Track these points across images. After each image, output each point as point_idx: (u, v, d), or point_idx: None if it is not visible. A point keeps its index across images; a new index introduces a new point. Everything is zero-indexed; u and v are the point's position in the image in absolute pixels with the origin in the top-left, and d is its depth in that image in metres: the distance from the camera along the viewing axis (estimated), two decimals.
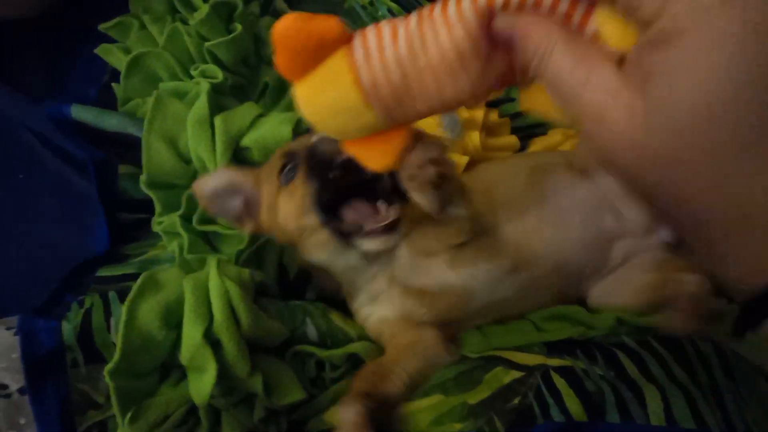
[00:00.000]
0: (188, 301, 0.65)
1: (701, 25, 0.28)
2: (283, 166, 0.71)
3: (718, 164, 0.30)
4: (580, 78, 0.34)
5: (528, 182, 0.80)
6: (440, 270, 0.73)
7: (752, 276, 0.33)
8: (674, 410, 0.62)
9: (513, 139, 0.93)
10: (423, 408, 0.69)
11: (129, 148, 0.81)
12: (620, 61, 0.34)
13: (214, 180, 0.73)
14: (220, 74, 0.83)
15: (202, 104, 0.78)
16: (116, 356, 0.63)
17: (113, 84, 0.88)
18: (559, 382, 0.67)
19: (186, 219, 0.79)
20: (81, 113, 0.82)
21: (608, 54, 0.34)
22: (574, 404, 0.65)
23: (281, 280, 0.83)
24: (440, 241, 0.73)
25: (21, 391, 0.71)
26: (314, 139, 0.69)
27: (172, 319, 0.67)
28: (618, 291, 0.77)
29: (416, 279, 0.73)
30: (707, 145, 0.29)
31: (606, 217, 0.78)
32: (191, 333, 0.65)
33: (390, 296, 0.74)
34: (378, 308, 0.75)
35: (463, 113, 0.86)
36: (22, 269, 0.90)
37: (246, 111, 0.82)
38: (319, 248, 0.71)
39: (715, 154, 0.29)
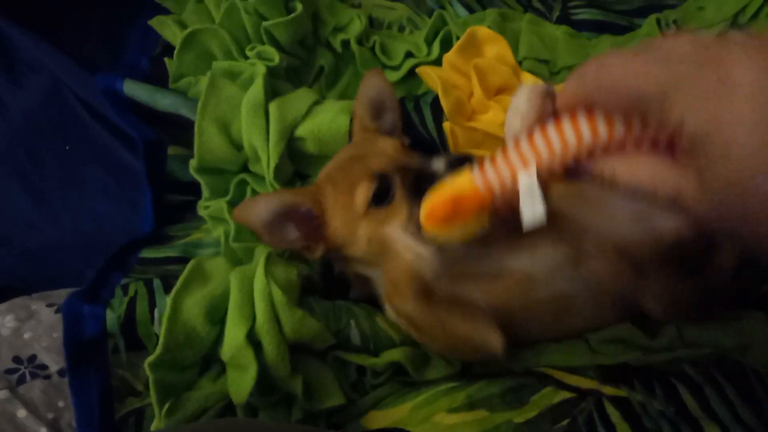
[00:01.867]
0: (233, 299, 0.63)
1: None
2: (377, 189, 0.67)
3: None
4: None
5: None
6: (498, 254, 0.70)
7: None
8: None
9: None
10: (466, 422, 0.66)
11: (180, 128, 0.78)
12: None
13: (267, 206, 0.68)
14: (276, 56, 0.80)
15: (257, 89, 0.74)
16: (158, 349, 0.62)
17: (166, 59, 0.85)
18: (614, 414, 0.64)
19: (233, 205, 0.77)
20: (134, 90, 0.80)
21: None
22: None
23: (324, 274, 0.81)
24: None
25: (60, 373, 0.71)
26: (436, 167, 0.67)
27: (217, 315, 0.65)
28: None
29: (470, 264, 0.70)
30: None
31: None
32: (234, 332, 0.63)
33: (443, 282, 0.69)
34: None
35: None
36: (69, 241, 0.90)
37: (302, 97, 0.78)
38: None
39: None
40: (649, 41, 0.40)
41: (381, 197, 0.68)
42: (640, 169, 0.42)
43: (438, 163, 0.68)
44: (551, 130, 0.48)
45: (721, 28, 0.88)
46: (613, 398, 0.65)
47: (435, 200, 0.51)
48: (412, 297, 0.66)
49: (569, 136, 0.46)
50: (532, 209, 0.51)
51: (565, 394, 0.67)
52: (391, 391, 0.73)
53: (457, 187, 0.50)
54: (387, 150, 0.71)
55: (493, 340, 0.67)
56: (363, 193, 0.67)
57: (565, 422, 0.64)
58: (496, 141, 0.80)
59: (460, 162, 0.66)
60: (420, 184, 0.66)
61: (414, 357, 0.73)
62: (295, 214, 0.70)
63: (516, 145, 0.49)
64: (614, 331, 0.73)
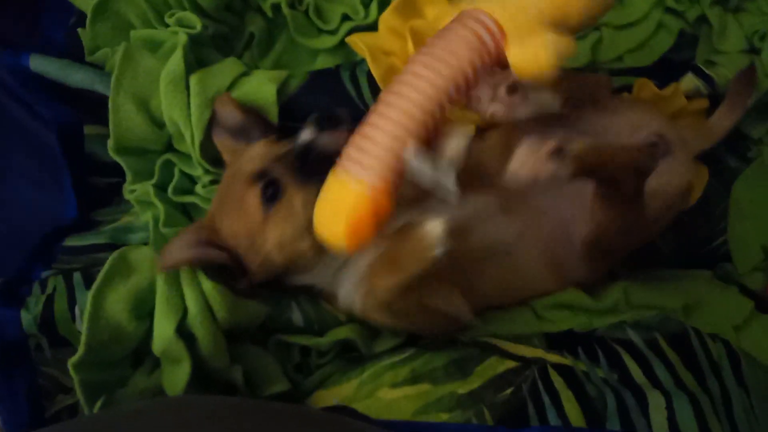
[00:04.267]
0: (160, 291, 0.60)
1: None
2: (264, 188, 0.63)
3: None
4: None
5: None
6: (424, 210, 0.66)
7: None
8: (679, 421, 0.59)
9: None
10: (408, 396, 0.66)
11: (97, 105, 0.72)
12: None
13: (182, 246, 0.63)
14: (198, 23, 0.74)
15: (176, 61, 0.69)
16: (81, 350, 0.58)
17: (79, 29, 0.78)
18: (558, 382, 0.64)
19: (160, 188, 0.73)
20: (42, 65, 0.73)
21: None
22: (572, 408, 0.61)
23: None
24: None
25: None
26: (305, 137, 0.64)
27: (144, 308, 0.62)
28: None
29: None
30: None
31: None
32: (163, 326, 0.60)
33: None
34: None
35: None
36: None
37: (226, 68, 0.73)
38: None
39: None
40: None
41: (272, 195, 0.63)
42: None
43: (306, 133, 0.64)
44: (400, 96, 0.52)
45: None
46: (558, 366, 0.65)
47: (350, 220, 0.51)
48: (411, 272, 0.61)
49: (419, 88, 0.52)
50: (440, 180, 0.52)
51: (510, 364, 0.67)
52: (336, 369, 0.72)
53: (352, 198, 0.51)
54: (257, 153, 0.67)
55: (465, 310, 0.67)
56: (252, 199, 0.63)
57: (508, 391, 0.64)
58: None
59: (328, 122, 0.64)
60: (304, 162, 0.63)
61: (362, 332, 0.72)
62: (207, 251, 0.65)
63: (374, 126, 0.52)
64: (560, 297, 0.73)
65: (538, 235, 0.71)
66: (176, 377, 0.61)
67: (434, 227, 0.57)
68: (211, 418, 0.45)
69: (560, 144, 0.54)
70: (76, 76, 0.73)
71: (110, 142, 0.69)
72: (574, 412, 0.61)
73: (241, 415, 0.46)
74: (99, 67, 0.77)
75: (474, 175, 0.68)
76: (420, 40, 0.78)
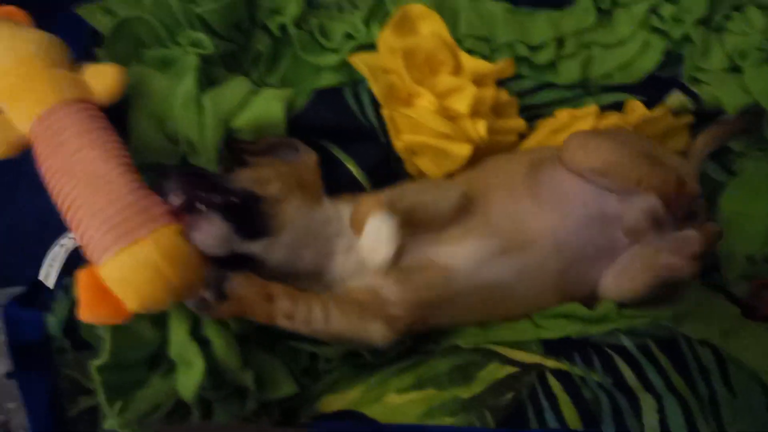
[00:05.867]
0: None
1: None
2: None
3: None
4: None
5: (527, 171, 0.78)
6: (422, 245, 0.71)
7: None
8: (670, 423, 0.62)
9: (519, 122, 0.88)
10: (414, 401, 0.69)
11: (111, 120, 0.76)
12: None
13: None
14: (210, 45, 0.77)
15: (189, 83, 0.72)
16: (104, 355, 0.61)
17: (97, 49, 0.81)
18: (555, 386, 0.67)
19: None
20: None
21: None
22: (569, 411, 0.64)
23: None
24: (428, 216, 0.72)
25: (8, 375, 0.70)
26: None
27: (162, 315, 0.65)
28: (626, 273, 0.74)
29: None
30: None
31: (609, 199, 0.75)
32: (177, 330, 0.63)
33: (362, 275, 0.71)
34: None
35: (471, 91, 0.81)
36: (5, 240, 0.87)
37: (236, 87, 0.76)
38: None
39: None
40: None
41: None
42: None
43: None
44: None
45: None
46: (555, 371, 0.68)
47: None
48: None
49: None
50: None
51: (510, 369, 0.70)
52: (344, 375, 0.75)
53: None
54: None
55: (377, 334, 0.68)
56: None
57: (509, 395, 0.67)
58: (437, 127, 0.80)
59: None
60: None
61: None
62: None
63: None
64: (557, 309, 0.76)
65: (548, 270, 0.74)
66: (189, 379, 0.64)
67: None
68: None
69: None
70: None
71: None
72: (571, 416, 0.64)
73: None
74: None
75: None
76: (412, 60, 0.82)
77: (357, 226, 0.69)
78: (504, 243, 0.73)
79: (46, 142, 0.61)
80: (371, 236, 0.67)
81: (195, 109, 0.72)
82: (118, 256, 0.56)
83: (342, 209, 0.74)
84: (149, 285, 0.56)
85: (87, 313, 0.57)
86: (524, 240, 0.73)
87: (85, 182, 0.59)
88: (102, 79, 0.67)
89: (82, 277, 0.57)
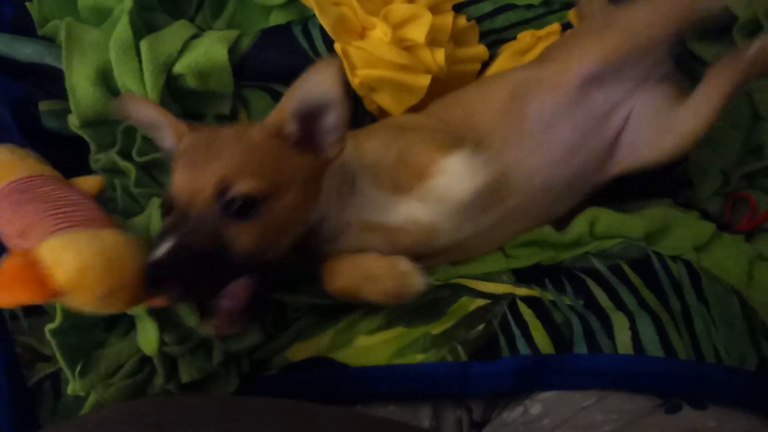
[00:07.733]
0: None
1: None
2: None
3: None
4: None
5: (509, 103, 0.75)
6: (408, 205, 0.69)
7: None
8: (642, 338, 0.60)
9: (481, 49, 0.84)
10: (385, 341, 0.67)
11: (50, 79, 0.72)
12: None
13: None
14: None
15: (123, 28, 0.68)
16: (58, 318, 0.59)
17: (26, 3, 0.77)
18: (526, 313, 0.65)
19: (123, 155, 0.73)
20: None
21: None
22: (541, 336, 0.63)
23: None
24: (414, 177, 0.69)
25: None
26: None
27: None
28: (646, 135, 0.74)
29: (379, 215, 0.69)
30: None
31: (597, 100, 0.74)
32: None
33: (347, 236, 0.69)
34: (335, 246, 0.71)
35: (428, 18, 0.77)
36: None
37: (176, 32, 0.73)
38: None
39: None
40: None
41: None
42: None
43: None
44: None
45: None
46: (526, 298, 0.67)
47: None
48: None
49: None
50: None
51: (480, 302, 0.68)
52: (312, 322, 0.73)
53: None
54: None
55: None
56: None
57: (480, 327, 0.65)
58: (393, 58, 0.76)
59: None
60: None
61: None
62: None
63: None
64: (528, 236, 0.74)
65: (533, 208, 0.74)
66: (148, 335, 0.62)
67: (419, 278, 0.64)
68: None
69: None
70: (25, 50, 0.73)
71: (73, 119, 0.69)
72: (542, 340, 0.62)
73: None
74: (51, 40, 0.76)
75: None
76: None
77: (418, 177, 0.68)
78: (486, 202, 0.71)
79: None
80: (453, 175, 0.67)
81: (133, 56, 0.69)
82: (61, 236, 0.55)
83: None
84: (90, 267, 0.54)
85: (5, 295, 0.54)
86: (508, 192, 0.72)
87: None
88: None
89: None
